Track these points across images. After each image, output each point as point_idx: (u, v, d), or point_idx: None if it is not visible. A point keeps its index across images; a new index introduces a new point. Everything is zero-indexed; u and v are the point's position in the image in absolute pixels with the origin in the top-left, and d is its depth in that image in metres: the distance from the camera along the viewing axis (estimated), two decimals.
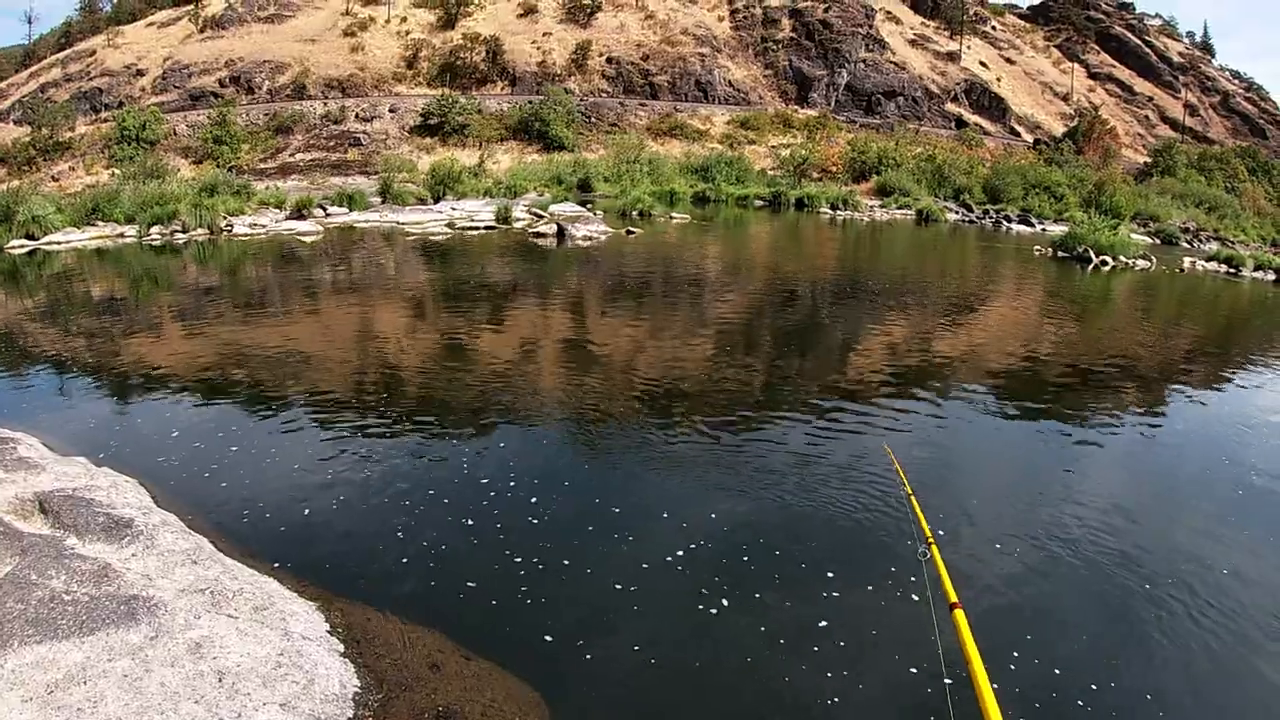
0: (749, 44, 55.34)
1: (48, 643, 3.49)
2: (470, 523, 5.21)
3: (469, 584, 4.56)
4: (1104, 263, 21.21)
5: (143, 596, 3.90)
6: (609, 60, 50.66)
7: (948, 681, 3.53)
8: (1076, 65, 69.24)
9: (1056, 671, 3.97)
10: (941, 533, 5.21)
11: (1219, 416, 8.68)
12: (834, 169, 40.34)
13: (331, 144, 41.40)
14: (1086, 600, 4.68)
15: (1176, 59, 74.40)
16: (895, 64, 56.12)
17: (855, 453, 6.67)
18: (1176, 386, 9.77)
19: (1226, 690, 4.01)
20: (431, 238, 20.78)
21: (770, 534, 5.23)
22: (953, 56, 61.17)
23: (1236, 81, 76.47)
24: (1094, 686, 3.88)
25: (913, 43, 61.64)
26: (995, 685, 2.44)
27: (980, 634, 2.56)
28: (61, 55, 53.95)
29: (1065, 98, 64.72)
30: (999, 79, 62.21)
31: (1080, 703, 3.77)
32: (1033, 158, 46.51)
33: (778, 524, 5.39)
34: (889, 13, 63.69)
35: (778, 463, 6.40)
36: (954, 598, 2.72)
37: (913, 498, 4.12)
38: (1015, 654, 4.07)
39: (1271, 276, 22.34)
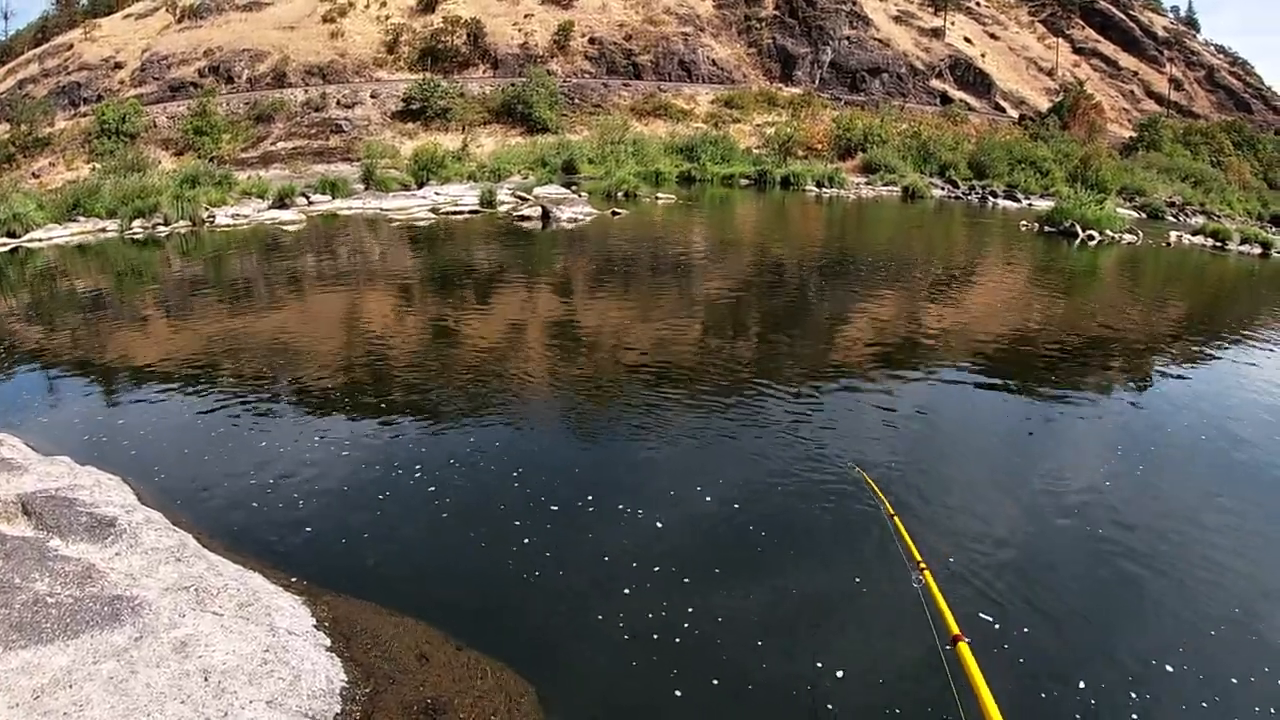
0: (732, 22, 54.85)
1: (32, 647, 3.47)
2: (458, 511, 5.21)
3: (458, 573, 4.56)
4: (1090, 237, 21.26)
5: (127, 597, 3.89)
6: (591, 41, 50.15)
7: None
8: (1061, 40, 68.97)
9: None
10: (915, 506, 5.22)
11: (1211, 390, 8.74)
12: (819, 147, 40.16)
13: (313, 131, 40.91)
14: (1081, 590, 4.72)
15: (1161, 33, 74.12)
16: (879, 41, 55.79)
17: (844, 435, 6.69)
18: (1163, 360, 9.82)
19: None
20: (416, 223, 20.64)
21: (760, 521, 5.24)
22: (937, 33, 60.82)
23: (1221, 56, 76.26)
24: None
25: (896, 19, 61.22)
26: None
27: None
28: (38, 50, 53.05)
29: (1050, 73, 64.51)
30: (983, 55, 61.91)
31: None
32: (1018, 133, 46.34)
33: (767, 511, 5.40)
34: None
35: (765, 447, 6.41)
36: (955, 629, 2.54)
37: (896, 519, 3.86)
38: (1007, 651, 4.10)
39: (1257, 250, 22.46)
